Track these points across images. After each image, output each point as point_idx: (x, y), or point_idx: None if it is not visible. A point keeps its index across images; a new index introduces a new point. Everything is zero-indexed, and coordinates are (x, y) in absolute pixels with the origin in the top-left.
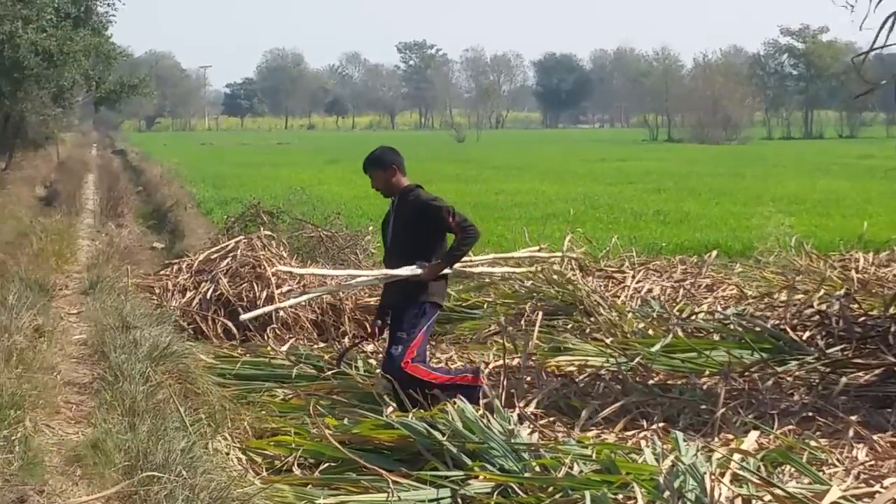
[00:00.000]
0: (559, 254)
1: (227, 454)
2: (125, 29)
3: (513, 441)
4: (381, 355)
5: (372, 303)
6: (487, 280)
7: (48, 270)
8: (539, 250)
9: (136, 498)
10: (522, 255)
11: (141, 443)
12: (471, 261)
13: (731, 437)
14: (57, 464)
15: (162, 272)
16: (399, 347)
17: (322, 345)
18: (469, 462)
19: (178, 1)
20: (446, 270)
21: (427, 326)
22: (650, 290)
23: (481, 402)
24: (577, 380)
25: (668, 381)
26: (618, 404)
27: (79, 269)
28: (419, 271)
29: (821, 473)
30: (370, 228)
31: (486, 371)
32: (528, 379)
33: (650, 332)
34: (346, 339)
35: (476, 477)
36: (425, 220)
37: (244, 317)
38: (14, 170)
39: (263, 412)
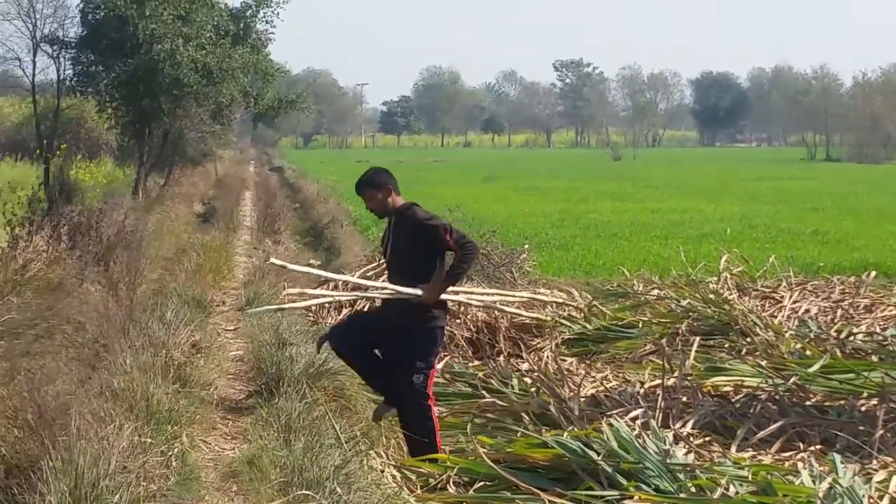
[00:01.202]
0: (558, 299)
1: (382, 471)
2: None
3: (668, 461)
4: (535, 373)
5: (527, 321)
6: (643, 299)
7: (205, 287)
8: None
9: None
10: (522, 296)
11: (296, 459)
12: (472, 292)
13: (889, 459)
14: (213, 479)
15: (319, 288)
16: (420, 377)
17: (477, 362)
18: (624, 482)
19: (335, 19)
20: (447, 291)
21: (438, 354)
22: (807, 311)
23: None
24: (733, 400)
25: (826, 403)
26: (774, 425)
27: (236, 285)
28: (419, 292)
29: None
30: (526, 247)
31: (642, 391)
32: (684, 399)
33: (807, 352)
34: (501, 358)
35: (631, 497)
36: (423, 239)
37: (250, 311)
38: (173, 186)
39: None
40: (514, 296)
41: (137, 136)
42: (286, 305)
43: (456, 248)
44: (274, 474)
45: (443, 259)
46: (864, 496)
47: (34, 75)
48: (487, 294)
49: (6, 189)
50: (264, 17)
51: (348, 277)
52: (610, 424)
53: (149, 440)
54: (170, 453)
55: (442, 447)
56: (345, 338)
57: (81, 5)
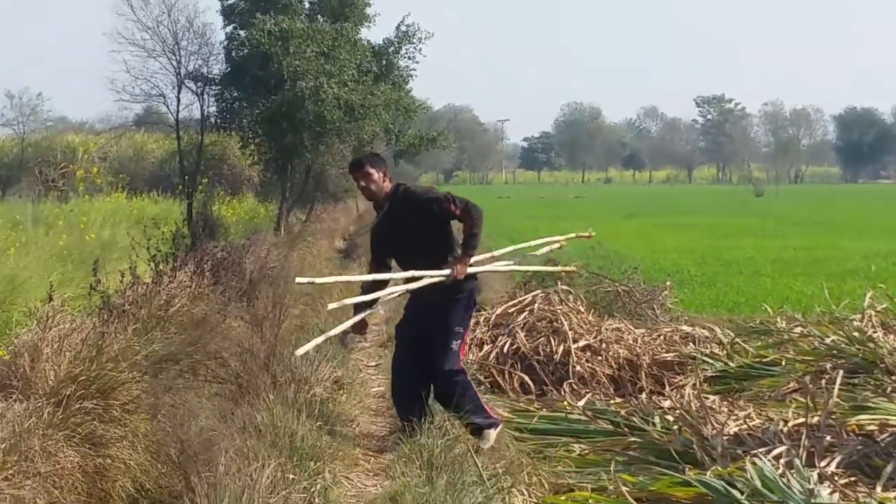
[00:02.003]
0: (571, 234)
1: None
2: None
3: (813, 501)
4: (677, 411)
5: (669, 358)
6: (786, 336)
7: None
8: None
9: None
10: (538, 242)
11: (438, 496)
12: (492, 256)
13: None
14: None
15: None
16: (457, 342)
17: (618, 400)
18: None
19: (476, 55)
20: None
21: (471, 319)
22: None
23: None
24: (878, 439)
25: None
26: None
27: (377, 321)
28: (447, 272)
29: None
30: (668, 283)
31: (786, 429)
32: (828, 438)
33: None
34: (643, 395)
35: None
36: (430, 214)
37: (299, 352)
38: (314, 222)
39: (560, 467)
40: (530, 245)
41: (280, 172)
42: (332, 332)
43: (464, 216)
44: None
45: (451, 228)
46: None
47: (178, 112)
48: (506, 261)
49: (150, 225)
50: (406, 53)
51: (372, 276)
52: (753, 463)
53: (292, 476)
54: (313, 490)
55: (492, 413)
56: (403, 358)
57: (226, 42)
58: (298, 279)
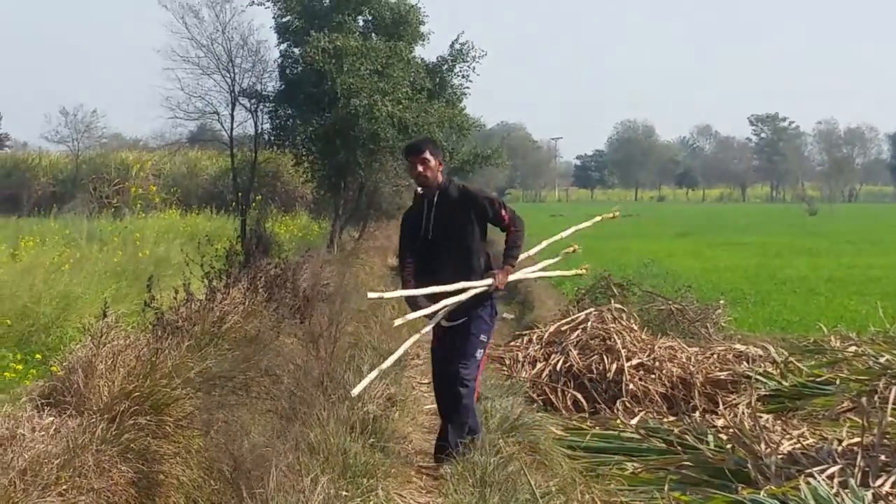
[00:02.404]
0: (598, 217)
1: None
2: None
3: None
4: (731, 430)
5: (722, 377)
6: (840, 355)
7: (399, 340)
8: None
9: None
10: (568, 232)
11: None
12: (529, 257)
13: None
14: None
15: (512, 343)
16: (481, 351)
17: (672, 418)
18: None
19: (529, 73)
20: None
21: (493, 328)
22: None
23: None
24: None
25: None
26: None
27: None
28: (490, 281)
29: None
30: (721, 302)
31: (840, 448)
32: (883, 457)
33: None
34: (697, 414)
35: None
36: (479, 213)
37: (355, 391)
38: (368, 240)
39: (613, 486)
40: (561, 237)
41: (333, 190)
42: (384, 364)
43: (510, 225)
44: None
45: (486, 233)
46: None
47: (232, 129)
48: (535, 267)
49: (203, 241)
50: (460, 71)
51: (430, 290)
52: (808, 482)
53: (344, 493)
54: None
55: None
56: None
57: (280, 60)
58: (371, 294)
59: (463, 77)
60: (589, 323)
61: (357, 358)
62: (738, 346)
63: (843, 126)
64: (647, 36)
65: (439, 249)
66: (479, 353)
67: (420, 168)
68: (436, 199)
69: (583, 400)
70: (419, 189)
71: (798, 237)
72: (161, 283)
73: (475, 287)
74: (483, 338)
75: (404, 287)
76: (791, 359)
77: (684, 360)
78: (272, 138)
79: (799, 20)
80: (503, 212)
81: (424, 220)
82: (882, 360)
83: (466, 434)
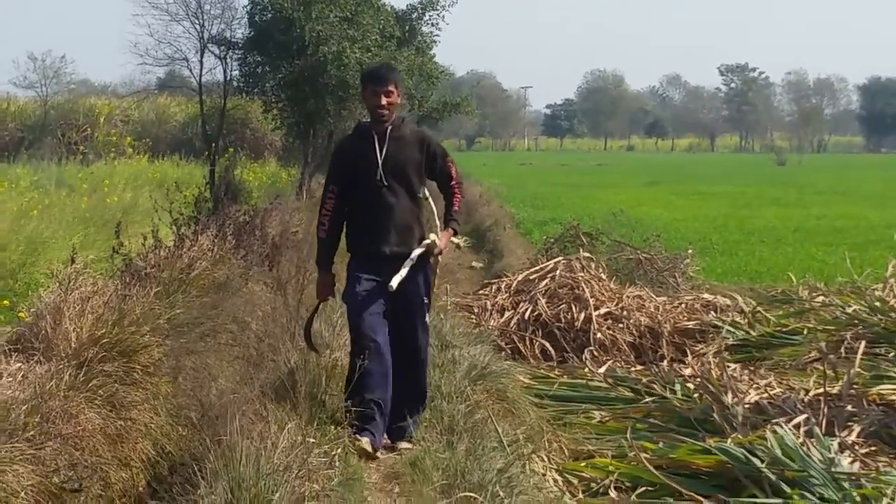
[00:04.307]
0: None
1: (544, 475)
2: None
3: (833, 470)
4: (698, 379)
5: (690, 326)
6: (808, 305)
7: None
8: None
9: None
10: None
11: (459, 462)
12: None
13: None
14: (376, 480)
15: (481, 291)
16: (429, 316)
17: (639, 367)
18: (788, 490)
19: (500, 21)
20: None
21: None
22: None
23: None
24: None
25: None
26: None
27: None
28: (435, 239)
29: None
30: (689, 252)
31: (806, 398)
32: (849, 407)
33: None
34: (664, 363)
35: None
36: (431, 161)
37: (394, 283)
38: None
39: (580, 434)
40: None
41: (302, 137)
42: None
43: (458, 188)
44: (436, 476)
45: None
46: None
47: (201, 75)
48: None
49: (172, 188)
50: (430, 19)
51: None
52: (774, 431)
53: (311, 440)
54: (333, 453)
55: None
56: (378, 325)
57: (249, 7)
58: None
59: (433, 25)
60: (558, 272)
61: (325, 305)
62: (706, 295)
63: (813, 76)
64: None
65: (389, 198)
66: (428, 318)
67: (385, 100)
68: (388, 135)
69: (551, 349)
70: (364, 121)
71: (766, 187)
72: (129, 229)
73: (421, 247)
74: (427, 301)
75: (328, 246)
76: (759, 309)
77: (652, 309)
78: (241, 85)
79: None
80: (453, 168)
81: (373, 159)
82: (849, 310)
83: (423, 404)
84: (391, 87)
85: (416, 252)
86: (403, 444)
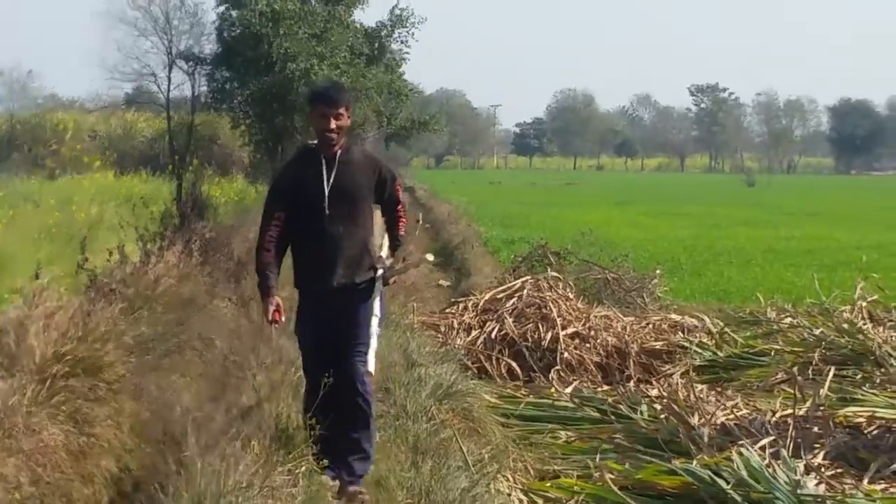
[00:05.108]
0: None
1: (509, 495)
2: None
3: (799, 492)
4: (665, 400)
5: (658, 347)
6: (776, 326)
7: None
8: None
9: None
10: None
11: (424, 481)
12: None
13: None
14: (340, 500)
15: (447, 310)
16: (374, 342)
17: (606, 387)
18: None
19: (469, 40)
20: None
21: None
22: None
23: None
24: (865, 432)
25: None
26: None
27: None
28: (388, 261)
29: None
30: (658, 272)
31: (773, 420)
32: (816, 429)
33: None
34: (631, 383)
35: None
36: (379, 183)
37: (430, 257)
38: None
39: (546, 454)
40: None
41: (270, 154)
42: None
43: (403, 212)
44: (401, 496)
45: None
46: None
47: (169, 91)
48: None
49: (139, 204)
50: (399, 37)
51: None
52: (740, 453)
53: (276, 458)
54: (297, 472)
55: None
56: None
57: (217, 23)
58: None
59: (402, 42)
60: (525, 291)
61: (291, 322)
62: (673, 316)
63: (783, 97)
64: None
65: (336, 227)
66: (374, 348)
67: (335, 123)
68: (337, 159)
69: (517, 368)
70: (311, 143)
71: (736, 208)
72: (95, 245)
73: (379, 279)
74: (376, 328)
75: (272, 271)
76: (726, 329)
77: (620, 329)
78: (209, 101)
79: None
80: (400, 192)
81: (319, 186)
82: (817, 332)
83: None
84: (341, 110)
85: (380, 287)
86: (352, 489)
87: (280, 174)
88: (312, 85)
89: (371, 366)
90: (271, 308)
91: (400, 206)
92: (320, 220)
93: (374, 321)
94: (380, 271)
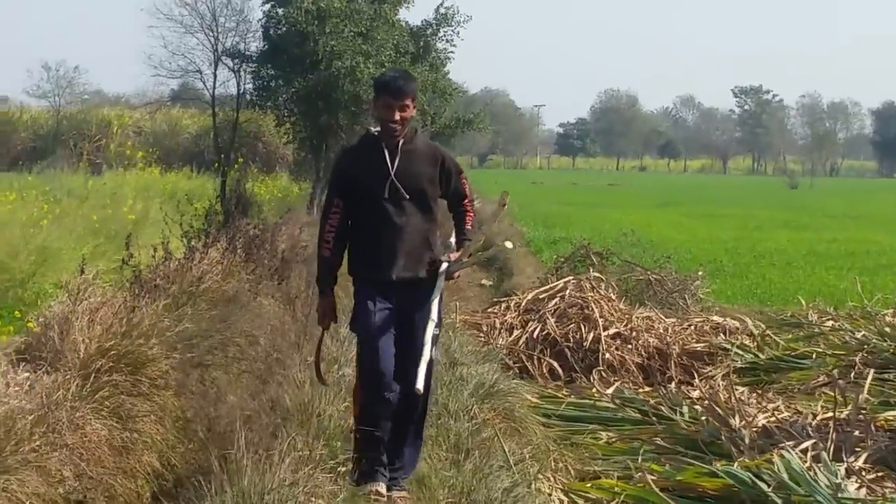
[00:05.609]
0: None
1: (550, 495)
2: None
3: (840, 495)
4: (706, 402)
5: (699, 349)
6: (817, 329)
7: None
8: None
9: None
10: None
11: (465, 480)
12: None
13: None
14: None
15: (490, 310)
16: (436, 350)
17: (647, 389)
18: None
19: (515, 39)
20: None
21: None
22: None
23: None
24: None
25: None
26: None
27: None
28: (447, 261)
29: None
30: (700, 273)
31: (814, 423)
32: (857, 433)
33: None
34: (672, 385)
35: None
36: (446, 176)
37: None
38: None
39: (587, 454)
40: None
41: (314, 152)
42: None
43: (471, 205)
44: (442, 494)
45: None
46: None
47: (214, 88)
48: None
49: (183, 201)
50: (444, 35)
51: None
52: (781, 456)
53: (319, 455)
54: (339, 469)
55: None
56: (388, 357)
57: (263, 20)
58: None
59: (447, 41)
60: (567, 291)
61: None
62: (715, 317)
63: (827, 100)
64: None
65: (398, 217)
66: (437, 353)
67: (399, 114)
68: (400, 148)
69: (559, 368)
70: (373, 130)
71: (778, 211)
72: (139, 241)
73: (442, 274)
74: (437, 331)
75: (332, 266)
76: (768, 332)
77: (661, 330)
78: (254, 98)
79: None
80: (467, 186)
81: (381, 173)
82: (859, 335)
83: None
84: (407, 101)
85: (441, 284)
86: (396, 494)
87: (340, 160)
88: (359, 83)
89: (420, 381)
90: (327, 310)
91: (467, 201)
92: (381, 210)
93: (431, 326)
94: (444, 265)
